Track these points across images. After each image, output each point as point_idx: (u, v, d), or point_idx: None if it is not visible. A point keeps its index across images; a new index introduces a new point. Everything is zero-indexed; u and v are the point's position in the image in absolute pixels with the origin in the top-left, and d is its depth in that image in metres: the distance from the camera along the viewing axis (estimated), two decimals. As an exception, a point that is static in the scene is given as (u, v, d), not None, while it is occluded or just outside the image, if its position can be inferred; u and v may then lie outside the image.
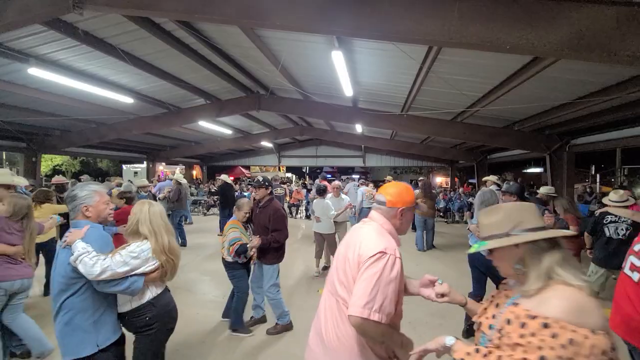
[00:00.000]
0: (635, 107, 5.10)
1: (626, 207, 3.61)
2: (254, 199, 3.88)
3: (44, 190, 4.32)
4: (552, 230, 1.10)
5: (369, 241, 1.40)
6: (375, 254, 1.34)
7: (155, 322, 1.99)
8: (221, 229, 8.91)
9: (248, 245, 3.35)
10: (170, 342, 2.20)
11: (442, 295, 1.39)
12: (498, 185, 6.24)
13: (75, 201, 1.88)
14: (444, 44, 3.38)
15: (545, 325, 0.95)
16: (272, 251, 3.50)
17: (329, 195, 6.02)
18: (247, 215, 3.61)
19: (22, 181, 3.44)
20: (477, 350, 1.06)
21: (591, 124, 6.48)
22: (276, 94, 8.55)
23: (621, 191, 3.82)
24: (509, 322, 1.04)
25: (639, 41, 2.40)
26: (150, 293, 1.99)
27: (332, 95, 7.60)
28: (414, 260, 6.67)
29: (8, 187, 3.02)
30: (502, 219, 1.14)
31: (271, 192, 3.64)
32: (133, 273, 1.85)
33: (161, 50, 5.43)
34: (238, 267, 3.52)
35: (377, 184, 14.63)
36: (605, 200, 3.84)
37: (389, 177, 11.80)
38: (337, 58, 4.68)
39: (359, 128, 11.53)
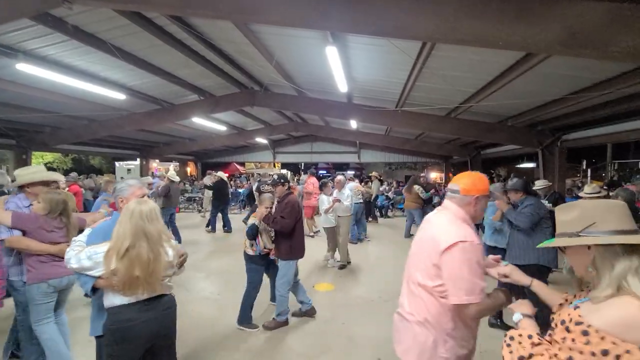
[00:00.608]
0: (626, 102, 5.16)
1: (598, 198, 3.83)
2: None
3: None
4: (635, 236, 0.98)
5: (446, 231, 1.50)
6: (456, 243, 1.43)
7: (105, 334, 1.83)
8: (213, 227, 8.88)
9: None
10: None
11: (505, 276, 1.48)
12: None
13: (115, 193, 2.08)
14: (438, 40, 3.39)
15: (585, 333, 0.92)
16: (285, 245, 3.54)
17: (335, 190, 6.12)
18: (269, 210, 3.62)
19: (60, 177, 3.24)
20: (530, 337, 1.06)
21: (582, 120, 6.55)
22: (270, 90, 8.49)
23: (594, 184, 4.11)
24: (562, 322, 1.02)
25: (629, 37, 2.42)
26: (108, 301, 1.82)
27: (326, 91, 7.56)
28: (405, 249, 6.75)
29: (46, 184, 2.83)
30: (576, 218, 1.06)
31: (289, 187, 3.77)
32: (87, 273, 1.79)
33: (153, 46, 5.35)
34: (258, 261, 3.55)
35: (364, 180, 14.76)
36: (580, 193, 4.18)
37: (374, 173, 12.15)
38: (332, 54, 4.65)
39: (353, 124, 11.52)
